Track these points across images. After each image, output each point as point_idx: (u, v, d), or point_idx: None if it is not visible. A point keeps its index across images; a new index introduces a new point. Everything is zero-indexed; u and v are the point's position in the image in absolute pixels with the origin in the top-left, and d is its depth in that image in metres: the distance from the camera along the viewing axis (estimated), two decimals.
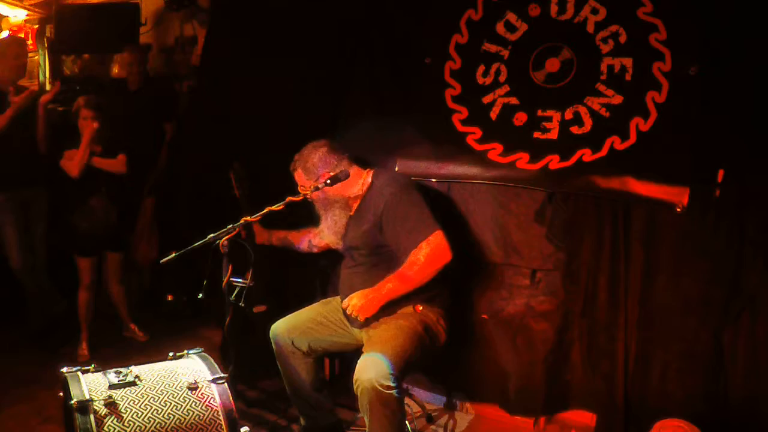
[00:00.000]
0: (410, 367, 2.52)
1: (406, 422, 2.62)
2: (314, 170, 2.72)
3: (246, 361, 2.95)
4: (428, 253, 2.52)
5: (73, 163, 3.56)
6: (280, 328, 2.77)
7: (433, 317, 2.62)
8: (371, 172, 2.77)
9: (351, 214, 2.76)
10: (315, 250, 3.04)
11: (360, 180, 2.75)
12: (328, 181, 2.64)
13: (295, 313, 2.83)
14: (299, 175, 2.78)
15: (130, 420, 2.00)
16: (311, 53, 3.48)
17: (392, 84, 3.28)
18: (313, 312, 2.83)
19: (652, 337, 2.73)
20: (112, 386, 2.06)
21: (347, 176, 2.68)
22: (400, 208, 2.60)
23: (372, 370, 2.33)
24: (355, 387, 2.37)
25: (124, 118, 4.02)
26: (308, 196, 2.71)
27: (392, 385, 2.32)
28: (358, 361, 2.42)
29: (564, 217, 2.85)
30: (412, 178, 2.92)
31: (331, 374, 3.35)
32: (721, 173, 2.54)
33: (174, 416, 2.05)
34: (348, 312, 2.59)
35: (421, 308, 2.62)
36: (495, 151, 2.99)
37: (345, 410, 3.05)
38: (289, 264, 3.32)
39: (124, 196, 3.81)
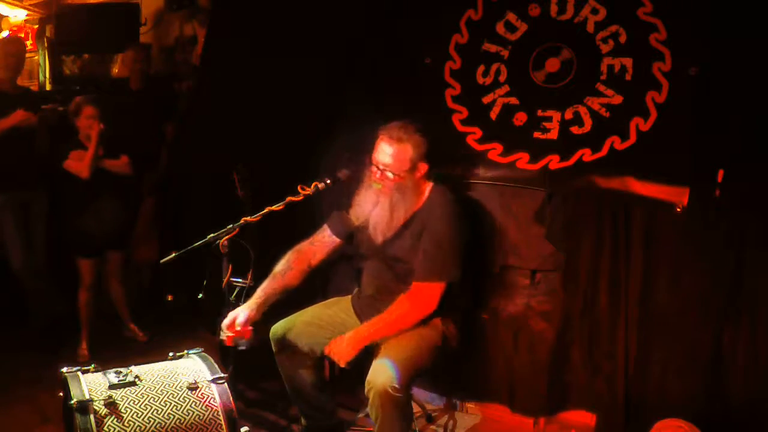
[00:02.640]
0: (421, 374, 2.55)
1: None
2: (419, 155, 2.54)
3: (246, 361, 2.95)
4: (417, 304, 2.52)
5: (83, 164, 3.56)
6: (280, 328, 2.74)
7: (452, 328, 2.64)
8: (430, 185, 2.65)
9: (401, 223, 2.60)
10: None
11: (421, 190, 2.63)
12: (421, 171, 2.55)
13: (297, 313, 2.80)
14: (401, 150, 2.52)
15: (130, 420, 1.99)
16: (311, 53, 3.48)
17: (392, 84, 3.28)
18: (315, 313, 2.80)
19: (652, 337, 2.73)
20: (112, 386, 2.06)
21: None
22: (438, 234, 2.53)
23: (385, 374, 2.35)
24: (366, 390, 2.39)
25: (125, 118, 4.02)
26: (394, 173, 2.52)
27: (403, 390, 2.34)
28: (372, 365, 2.44)
29: (564, 217, 2.85)
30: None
31: (332, 374, 3.34)
32: (721, 173, 2.54)
33: (174, 416, 2.05)
34: (333, 357, 2.54)
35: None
36: (495, 151, 3.00)
37: (345, 410, 3.05)
38: None
39: (126, 196, 3.82)
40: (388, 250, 2.65)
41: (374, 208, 2.60)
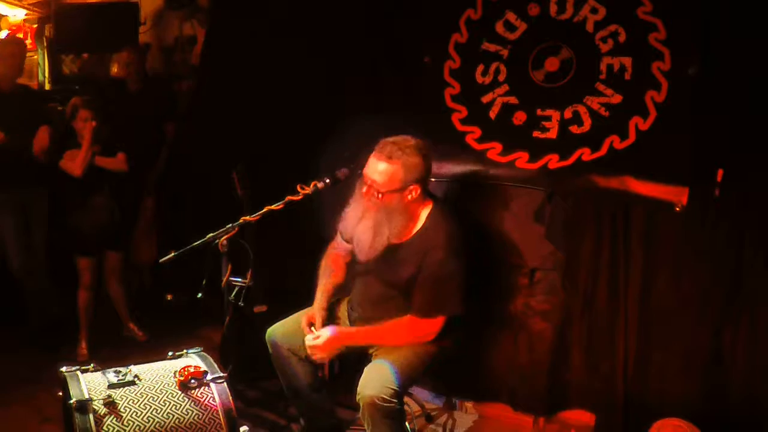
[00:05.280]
0: (415, 382, 2.53)
1: (406, 424, 2.62)
2: (413, 174, 2.37)
3: (246, 360, 2.95)
4: (414, 335, 2.47)
5: (75, 162, 3.55)
6: (276, 332, 2.71)
7: (450, 338, 2.59)
8: (429, 208, 2.50)
9: (383, 247, 2.45)
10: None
11: (414, 214, 2.48)
12: (412, 194, 2.38)
13: (292, 316, 2.76)
14: (391, 169, 2.35)
15: (129, 419, 2.00)
16: (311, 53, 3.48)
17: (392, 84, 3.28)
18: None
19: (651, 337, 2.73)
20: (111, 386, 2.06)
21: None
22: (439, 267, 2.40)
23: (376, 385, 2.33)
24: (357, 398, 2.38)
25: (123, 117, 4.01)
26: (382, 192, 2.37)
27: (394, 400, 2.33)
28: (364, 371, 2.42)
29: (563, 217, 2.85)
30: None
31: (331, 373, 3.34)
32: (721, 173, 2.54)
33: (173, 415, 2.05)
34: (309, 349, 2.52)
35: None
36: (494, 150, 3.00)
37: (345, 410, 3.05)
38: (288, 262, 3.31)
39: (125, 195, 3.82)
40: (375, 270, 2.56)
41: (358, 225, 2.49)
